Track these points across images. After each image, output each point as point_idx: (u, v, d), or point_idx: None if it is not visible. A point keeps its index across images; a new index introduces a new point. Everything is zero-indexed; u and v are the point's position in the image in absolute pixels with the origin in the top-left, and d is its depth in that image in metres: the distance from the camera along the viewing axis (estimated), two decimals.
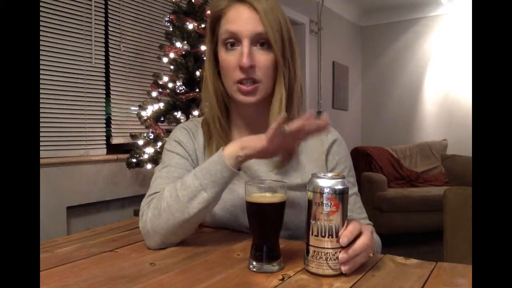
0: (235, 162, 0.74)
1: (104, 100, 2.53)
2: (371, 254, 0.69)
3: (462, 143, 4.39)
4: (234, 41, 0.85)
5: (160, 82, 2.34)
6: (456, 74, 4.81)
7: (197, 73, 2.32)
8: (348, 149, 1.00)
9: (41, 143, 2.16)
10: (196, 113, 2.25)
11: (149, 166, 2.33)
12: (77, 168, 2.34)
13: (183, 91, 2.29)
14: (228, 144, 0.77)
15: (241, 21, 0.84)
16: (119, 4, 2.60)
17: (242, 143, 0.74)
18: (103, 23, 2.52)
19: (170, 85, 2.31)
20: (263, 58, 0.85)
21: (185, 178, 0.77)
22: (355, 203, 0.93)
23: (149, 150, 2.30)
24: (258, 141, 0.73)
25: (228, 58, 0.85)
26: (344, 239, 0.63)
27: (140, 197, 0.88)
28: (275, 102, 0.88)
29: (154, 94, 2.34)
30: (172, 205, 0.76)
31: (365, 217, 0.94)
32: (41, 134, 2.16)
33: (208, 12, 2.42)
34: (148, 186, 0.88)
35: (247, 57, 0.82)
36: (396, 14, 5.19)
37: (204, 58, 2.46)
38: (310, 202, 0.65)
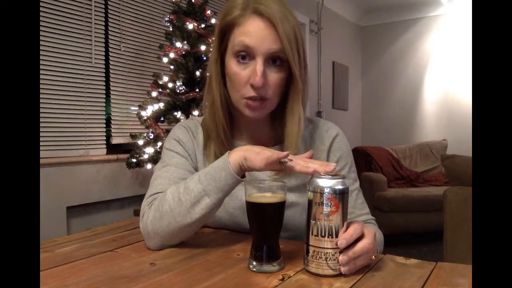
0: (240, 170, 0.73)
1: (104, 100, 2.53)
2: (373, 257, 0.69)
3: (462, 143, 4.39)
4: (246, 55, 0.81)
5: (160, 82, 2.34)
6: (456, 74, 4.82)
7: (197, 73, 2.32)
8: (349, 143, 0.98)
9: (41, 143, 2.16)
10: (196, 113, 2.25)
11: (149, 166, 2.33)
12: (77, 168, 2.34)
13: (183, 91, 2.29)
14: (233, 150, 0.75)
15: (258, 36, 0.79)
16: (119, 4, 2.60)
17: (245, 153, 0.72)
18: (103, 23, 2.52)
19: (170, 85, 2.31)
20: (275, 76, 0.82)
21: (188, 182, 0.76)
22: (357, 199, 0.92)
23: (149, 150, 2.31)
24: (258, 159, 0.70)
25: (240, 72, 0.82)
26: (342, 242, 0.63)
27: (140, 197, 0.88)
28: (293, 121, 0.85)
29: (154, 94, 2.34)
30: (174, 209, 0.75)
31: (367, 212, 0.93)
32: (41, 134, 2.16)
33: (208, 12, 2.42)
34: (148, 186, 0.88)
35: (261, 77, 0.79)
36: (396, 14, 5.20)
37: (204, 58, 2.44)
38: (310, 202, 0.65)
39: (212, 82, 0.88)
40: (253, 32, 0.80)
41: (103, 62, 2.52)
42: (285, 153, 0.69)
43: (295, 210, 0.86)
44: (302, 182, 0.88)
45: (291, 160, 0.69)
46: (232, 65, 0.83)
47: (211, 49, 0.92)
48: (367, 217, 0.92)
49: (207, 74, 0.92)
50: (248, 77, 0.81)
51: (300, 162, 0.69)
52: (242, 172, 0.74)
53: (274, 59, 0.81)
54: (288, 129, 0.86)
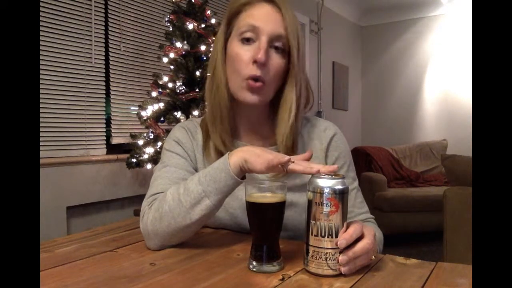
0: (240, 171, 0.73)
1: (104, 100, 2.53)
2: (373, 257, 0.69)
3: (462, 143, 4.39)
4: (251, 35, 0.83)
5: (160, 82, 2.34)
6: (456, 74, 4.81)
7: (197, 73, 2.32)
8: (347, 142, 0.97)
9: (41, 143, 2.16)
10: (196, 113, 2.25)
11: (149, 166, 2.33)
12: (77, 168, 2.34)
13: (183, 91, 2.29)
14: (233, 152, 0.75)
15: (264, 18, 0.83)
16: (119, 4, 2.60)
17: (246, 155, 0.72)
18: (103, 23, 2.52)
19: (170, 85, 2.31)
20: (276, 61, 0.84)
21: (188, 183, 0.76)
22: (356, 197, 0.92)
23: (149, 150, 2.30)
24: (259, 162, 0.70)
25: (242, 52, 0.83)
26: (342, 242, 0.63)
27: (140, 197, 0.88)
28: (284, 109, 0.86)
29: (154, 94, 2.34)
30: (174, 209, 0.75)
31: (366, 211, 0.93)
32: (41, 134, 2.16)
33: (208, 12, 2.42)
34: (148, 186, 0.88)
35: (264, 53, 0.81)
36: (396, 14, 5.19)
37: (204, 58, 2.44)
38: (310, 202, 0.65)
39: (217, 68, 0.88)
40: (260, 14, 0.83)
41: (103, 62, 2.52)
42: (286, 158, 0.69)
43: (295, 210, 0.86)
44: (302, 182, 0.88)
45: (293, 162, 0.69)
46: (235, 47, 0.85)
47: (211, 49, 0.93)
48: (366, 215, 0.92)
49: (208, 74, 0.92)
50: (250, 56, 0.82)
51: (303, 163, 0.69)
52: (243, 173, 0.74)
53: (276, 46, 0.84)
54: (279, 117, 0.87)
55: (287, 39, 0.83)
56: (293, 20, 0.84)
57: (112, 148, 2.60)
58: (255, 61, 0.81)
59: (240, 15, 0.86)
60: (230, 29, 0.87)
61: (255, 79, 0.82)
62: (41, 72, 2.17)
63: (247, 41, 0.84)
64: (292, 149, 0.88)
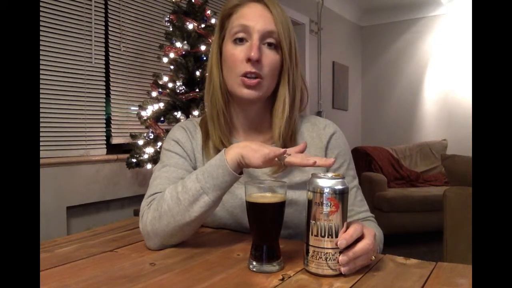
0: (237, 166, 0.73)
1: (104, 100, 2.52)
2: (373, 257, 0.69)
3: (462, 143, 4.39)
4: (243, 35, 0.85)
5: (160, 82, 2.34)
6: (456, 74, 4.81)
7: (197, 73, 2.32)
8: (347, 141, 0.98)
9: (41, 143, 2.16)
10: (196, 113, 2.25)
11: (149, 166, 2.33)
12: (77, 168, 2.34)
13: (183, 91, 2.29)
14: (230, 147, 0.75)
15: (254, 17, 0.85)
16: (119, 4, 2.59)
17: (242, 150, 0.73)
18: (103, 23, 2.52)
19: (170, 85, 2.31)
20: (270, 56, 0.86)
21: (186, 181, 0.77)
22: (356, 196, 0.92)
23: (149, 150, 2.30)
24: (256, 156, 0.71)
25: (236, 51, 0.86)
26: (342, 242, 0.63)
27: (140, 197, 0.88)
28: (279, 103, 0.89)
29: (154, 94, 2.34)
30: (173, 208, 0.75)
31: (366, 210, 0.93)
32: (41, 134, 2.16)
33: (208, 12, 2.42)
34: (148, 186, 0.88)
35: (257, 50, 0.83)
36: (396, 14, 5.19)
37: (204, 58, 2.45)
38: (310, 202, 0.65)
39: (213, 71, 0.91)
40: (250, 14, 0.86)
41: (103, 62, 2.52)
42: (282, 150, 0.71)
43: (295, 208, 0.86)
44: (301, 180, 0.88)
45: (289, 155, 0.70)
46: (229, 48, 0.87)
47: (211, 48, 0.95)
48: (366, 214, 0.92)
49: (207, 74, 0.93)
50: (244, 55, 0.84)
51: (300, 155, 0.71)
52: (240, 168, 0.75)
53: (269, 43, 0.86)
54: (274, 112, 0.90)
55: (278, 35, 0.85)
56: (283, 16, 0.87)
57: (112, 148, 2.59)
58: (249, 59, 0.83)
59: (231, 17, 0.88)
60: (224, 31, 0.90)
61: (251, 76, 0.84)
62: (41, 72, 2.16)
63: (240, 41, 0.86)
64: (291, 145, 0.89)
